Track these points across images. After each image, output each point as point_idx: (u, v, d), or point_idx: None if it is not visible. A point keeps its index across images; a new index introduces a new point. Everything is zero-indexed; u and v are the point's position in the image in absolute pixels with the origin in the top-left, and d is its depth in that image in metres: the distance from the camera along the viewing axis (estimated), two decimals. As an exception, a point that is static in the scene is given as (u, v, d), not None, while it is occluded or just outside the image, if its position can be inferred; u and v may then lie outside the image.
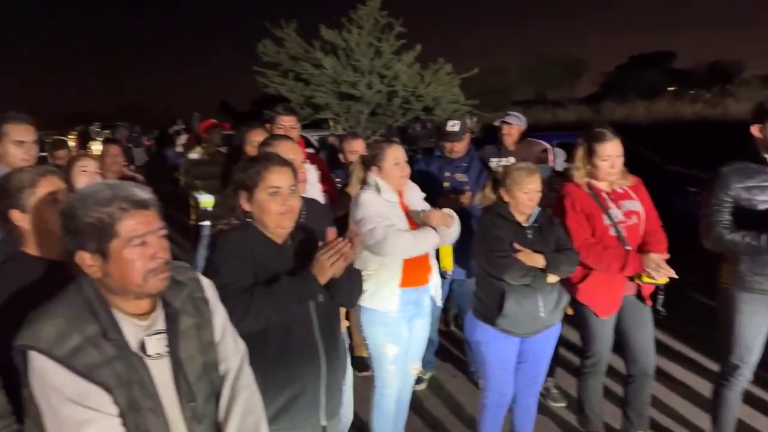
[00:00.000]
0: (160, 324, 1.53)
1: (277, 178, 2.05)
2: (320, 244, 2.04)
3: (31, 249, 1.92)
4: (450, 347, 4.78)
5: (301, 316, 2.05)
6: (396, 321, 3.01)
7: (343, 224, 2.77)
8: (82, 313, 1.42)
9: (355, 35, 12.59)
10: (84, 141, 21.47)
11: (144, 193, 1.48)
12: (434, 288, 3.20)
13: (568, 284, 3.06)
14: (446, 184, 3.99)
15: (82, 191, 1.49)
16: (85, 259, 1.44)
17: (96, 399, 1.38)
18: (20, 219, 1.90)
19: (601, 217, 3.13)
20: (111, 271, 1.44)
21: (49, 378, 1.36)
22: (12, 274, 1.85)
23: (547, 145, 4.60)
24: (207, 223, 5.45)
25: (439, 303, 3.34)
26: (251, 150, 3.56)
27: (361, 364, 4.04)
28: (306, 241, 2.19)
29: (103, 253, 1.42)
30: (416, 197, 3.16)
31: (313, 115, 13.45)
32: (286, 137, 2.78)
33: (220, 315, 1.70)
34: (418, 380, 3.92)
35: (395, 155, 3.01)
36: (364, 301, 2.87)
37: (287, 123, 3.69)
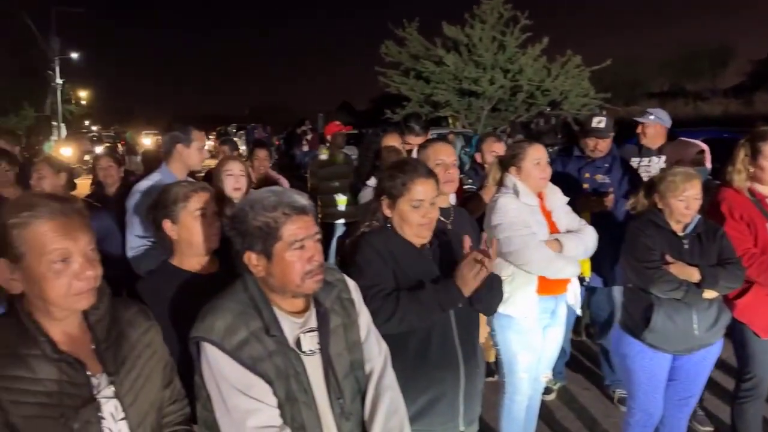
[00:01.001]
0: (313, 322, 1.62)
1: (421, 190, 2.08)
2: (464, 251, 2.02)
3: (176, 260, 2.13)
4: (582, 358, 4.54)
5: (441, 322, 2.05)
6: (530, 329, 2.90)
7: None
8: (248, 309, 1.54)
9: (478, 30, 12.41)
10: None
11: (303, 200, 1.58)
12: (573, 295, 3.04)
13: (724, 299, 2.76)
14: (585, 186, 3.76)
15: (251, 197, 1.61)
16: (252, 259, 1.56)
17: (259, 390, 1.49)
18: (170, 229, 2.10)
19: (765, 227, 2.79)
20: (274, 271, 1.55)
21: (219, 368, 1.49)
22: (154, 282, 2.07)
23: (704, 146, 4.18)
24: (340, 221, 5.68)
25: (578, 311, 3.17)
26: (383, 151, 3.63)
27: (487, 369, 3.96)
28: (445, 245, 2.19)
29: (268, 254, 1.54)
30: (558, 201, 3.00)
31: (432, 113, 13.50)
32: (442, 140, 2.79)
33: (364, 316, 1.77)
34: (548, 390, 3.77)
35: (536, 155, 2.89)
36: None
37: (415, 142, 3.70)
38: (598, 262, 3.54)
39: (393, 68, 13.78)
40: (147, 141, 25.87)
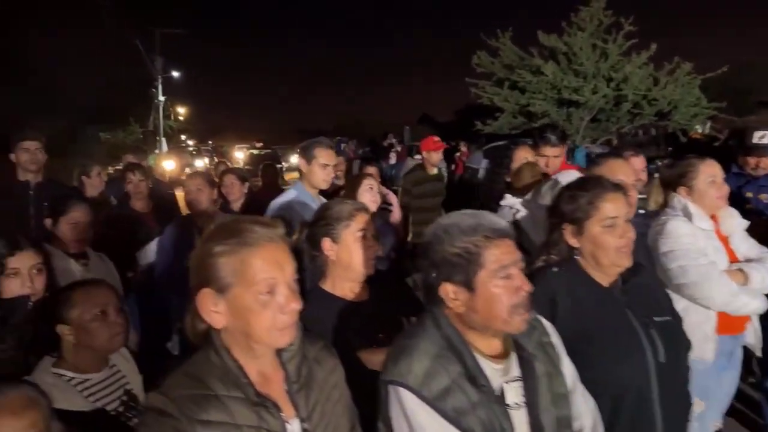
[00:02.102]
0: (515, 370, 1.40)
1: (612, 207, 1.79)
2: None
3: (328, 284, 1.96)
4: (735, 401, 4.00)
5: (638, 378, 1.73)
6: (705, 373, 2.51)
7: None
8: (445, 352, 1.34)
9: (579, 38, 11.84)
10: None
11: (503, 222, 1.38)
12: (753, 334, 2.64)
13: None
14: (748, 206, 3.32)
15: (443, 221, 1.41)
16: (449, 291, 1.36)
17: None
18: (329, 249, 1.94)
19: None
20: (476, 305, 1.34)
21: (417, 419, 1.29)
22: (315, 310, 1.85)
23: None
24: None
25: (758, 352, 2.74)
26: (515, 167, 3.37)
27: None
28: (638, 286, 1.86)
29: (469, 285, 1.34)
30: (736, 225, 2.62)
31: (526, 124, 13.03)
32: (616, 156, 2.50)
33: (567, 364, 1.51)
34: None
35: (710, 171, 2.53)
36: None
37: (551, 154, 3.40)
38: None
39: (485, 79, 13.46)
40: (239, 155, 26.96)
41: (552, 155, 3.39)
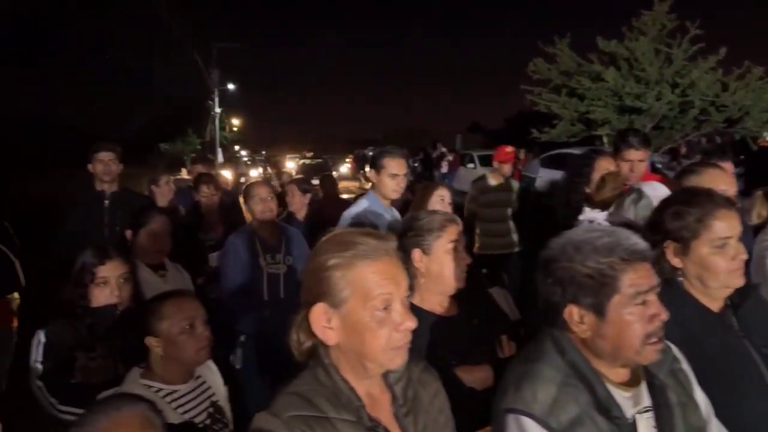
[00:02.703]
0: (646, 399, 1.27)
1: (725, 226, 1.63)
2: None
3: (416, 298, 1.87)
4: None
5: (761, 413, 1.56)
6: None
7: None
8: (571, 380, 1.24)
9: (641, 43, 11.43)
10: (360, 164, 24.03)
11: (643, 243, 1.25)
12: None
13: None
14: None
15: (574, 236, 1.30)
16: (574, 314, 1.26)
17: None
18: (419, 260, 1.86)
19: None
20: (606, 332, 1.23)
21: None
22: None
23: None
24: (516, 249, 5.34)
25: None
26: (596, 177, 3.20)
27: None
28: (751, 310, 1.68)
29: (599, 310, 1.23)
30: None
31: (585, 132, 12.66)
32: (714, 165, 2.34)
33: (700, 394, 1.38)
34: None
35: None
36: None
37: (636, 158, 3.19)
38: None
39: (541, 86, 13.18)
40: (290, 165, 27.42)
41: (637, 159, 3.17)
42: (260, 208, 3.35)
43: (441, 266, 1.85)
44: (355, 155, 29.00)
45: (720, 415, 1.45)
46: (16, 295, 4.20)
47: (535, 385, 1.23)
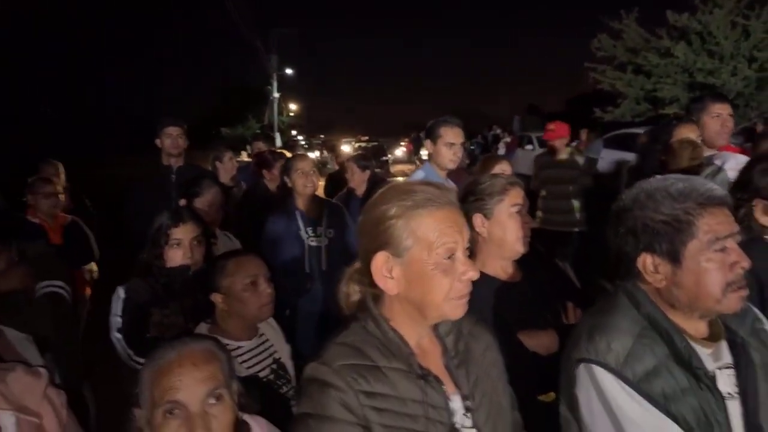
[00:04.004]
0: (727, 356, 1.22)
1: None
2: None
3: (479, 264, 1.81)
4: None
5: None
6: None
7: None
8: (648, 332, 1.19)
9: (715, 15, 10.76)
10: (416, 146, 23.98)
11: (719, 188, 1.20)
12: None
13: None
14: None
15: (646, 186, 1.25)
16: (648, 264, 1.21)
17: None
18: (481, 225, 1.83)
19: None
20: (682, 280, 1.18)
21: (618, 403, 1.15)
22: None
23: None
24: (576, 229, 5.22)
25: None
26: (676, 144, 3.05)
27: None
28: None
29: (675, 257, 1.18)
30: None
31: (651, 111, 12.10)
32: None
33: None
34: None
35: None
36: None
37: (725, 111, 3.01)
38: None
39: (605, 63, 12.67)
40: (346, 148, 27.66)
41: (726, 113, 3.02)
42: (302, 181, 3.33)
43: (503, 231, 1.81)
44: (411, 138, 28.91)
45: None
46: (93, 267, 4.46)
47: (609, 335, 1.19)
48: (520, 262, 1.89)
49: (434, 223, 1.10)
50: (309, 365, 1.14)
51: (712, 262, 1.16)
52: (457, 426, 1.14)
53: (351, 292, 1.21)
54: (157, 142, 4.11)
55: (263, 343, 1.96)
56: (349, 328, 1.18)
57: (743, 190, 1.67)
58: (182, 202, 3.04)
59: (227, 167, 4.76)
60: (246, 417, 1.34)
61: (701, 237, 1.16)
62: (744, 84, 10.83)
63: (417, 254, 1.10)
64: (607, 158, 10.75)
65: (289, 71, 30.22)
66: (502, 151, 17.86)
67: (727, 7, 10.92)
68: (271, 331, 2.01)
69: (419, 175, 3.12)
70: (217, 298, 1.90)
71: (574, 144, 5.53)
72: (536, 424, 1.42)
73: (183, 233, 2.22)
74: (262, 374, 1.88)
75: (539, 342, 1.71)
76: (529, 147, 16.15)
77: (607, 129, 13.60)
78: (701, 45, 11.11)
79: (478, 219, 1.83)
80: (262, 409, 1.41)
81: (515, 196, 1.82)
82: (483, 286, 1.80)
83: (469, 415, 1.16)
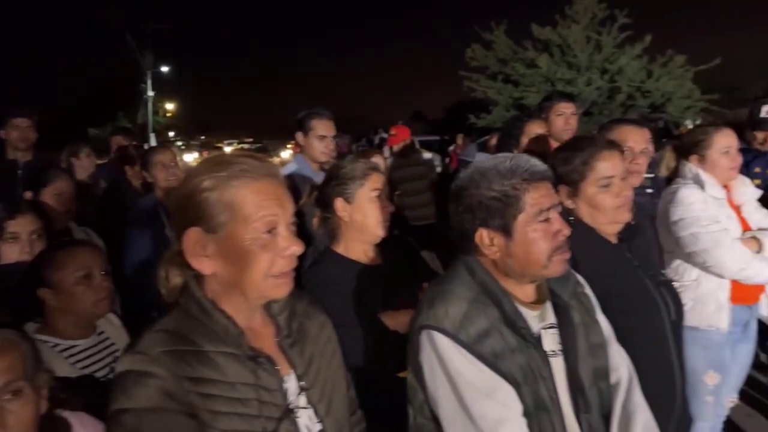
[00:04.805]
0: (551, 317, 1.34)
1: (608, 166, 1.74)
2: None
3: (341, 247, 1.88)
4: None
5: (657, 335, 1.71)
6: (720, 344, 2.47)
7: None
8: (482, 297, 1.27)
9: (573, 30, 11.85)
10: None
11: (541, 164, 1.30)
12: (767, 306, 2.59)
13: None
14: (756, 182, 3.26)
15: (478, 165, 1.33)
16: (485, 238, 1.29)
17: (505, 394, 1.21)
18: (342, 209, 1.84)
19: None
20: (514, 250, 1.27)
21: (454, 365, 1.22)
22: (326, 272, 1.82)
23: None
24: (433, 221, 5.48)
25: (773, 325, 2.69)
26: (525, 141, 3.28)
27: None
28: (639, 246, 1.83)
29: (507, 230, 1.27)
30: (749, 194, 2.57)
31: (520, 118, 13.01)
32: (632, 121, 2.42)
33: (602, 316, 1.46)
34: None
35: (725, 142, 2.47)
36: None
37: (568, 110, 3.32)
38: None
39: (479, 72, 13.45)
40: (229, 150, 26.84)
41: (569, 112, 3.29)
42: (163, 175, 3.10)
43: (364, 215, 1.83)
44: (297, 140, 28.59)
45: (627, 334, 1.54)
46: None
47: (447, 302, 1.26)
48: (380, 246, 1.93)
49: (251, 195, 1.02)
50: (122, 357, 1.03)
51: (538, 232, 1.26)
52: (292, 406, 1.09)
53: (171, 276, 1.11)
54: (2, 133, 3.70)
55: (103, 341, 1.80)
56: (169, 314, 1.08)
57: None
58: (27, 194, 2.74)
59: (84, 164, 4.36)
60: (66, 414, 1.23)
61: (528, 210, 1.25)
62: (598, 93, 12.01)
63: (233, 229, 1.02)
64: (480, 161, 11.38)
65: (165, 69, 28.67)
66: (387, 153, 18.25)
67: (583, 23, 12.09)
68: (112, 329, 1.85)
69: (291, 168, 3.07)
70: (45, 293, 1.70)
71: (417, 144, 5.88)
72: (397, 401, 1.44)
73: (20, 226, 2.01)
74: (99, 373, 1.72)
75: (399, 321, 1.75)
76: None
77: (482, 134, 14.41)
78: (561, 57, 12.17)
79: (339, 203, 1.84)
80: (100, 408, 1.28)
81: (375, 181, 1.85)
82: (345, 269, 1.84)
83: (303, 394, 1.13)
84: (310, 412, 1.13)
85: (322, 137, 3.00)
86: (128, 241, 3.08)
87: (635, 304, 1.67)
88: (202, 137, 38.89)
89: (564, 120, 3.27)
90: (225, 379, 1.01)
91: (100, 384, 1.67)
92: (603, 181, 1.74)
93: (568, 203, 1.80)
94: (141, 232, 3.03)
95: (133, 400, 0.96)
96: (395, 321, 1.76)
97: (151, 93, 27.13)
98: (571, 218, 1.80)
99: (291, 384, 1.12)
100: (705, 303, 2.43)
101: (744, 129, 3.45)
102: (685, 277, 2.47)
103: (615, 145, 1.82)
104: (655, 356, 1.69)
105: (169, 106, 38.81)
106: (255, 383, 1.04)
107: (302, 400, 1.12)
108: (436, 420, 1.27)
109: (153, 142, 26.81)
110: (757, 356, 3.87)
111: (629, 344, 1.53)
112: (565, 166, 1.79)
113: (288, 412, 1.07)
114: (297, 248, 1.05)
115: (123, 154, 4.44)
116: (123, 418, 0.96)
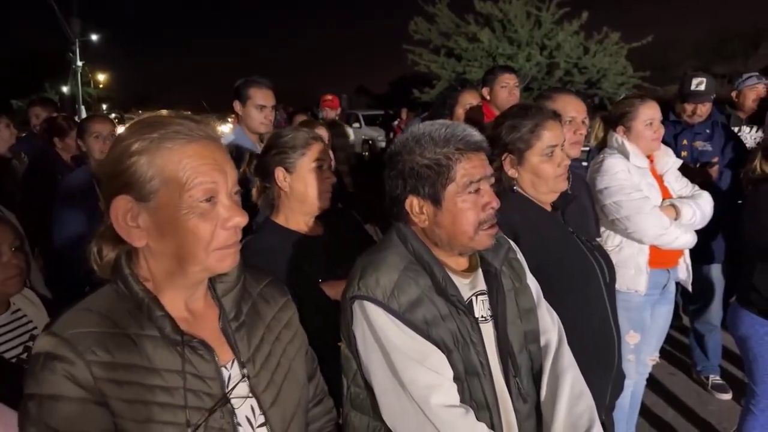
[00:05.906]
0: (482, 284, 1.36)
1: (552, 135, 1.79)
2: None
3: (281, 218, 1.84)
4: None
5: (598, 298, 1.79)
6: (640, 305, 2.62)
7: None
8: (413, 266, 1.28)
9: (513, 5, 11.98)
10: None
11: (478, 134, 1.30)
12: (685, 270, 2.75)
13: None
14: (683, 154, 3.43)
15: (415, 131, 1.31)
16: (415, 205, 1.29)
17: (436, 360, 1.22)
18: (282, 179, 1.80)
19: None
20: (441, 220, 1.28)
21: (386, 334, 1.22)
22: (267, 241, 1.77)
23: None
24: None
25: (689, 287, 2.86)
26: (461, 112, 3.32)
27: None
28: (573, 212, 1.92)
29: (436, 199, 1.27)
30: (671, 163, 2.71)
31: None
32: (567, 91, 2.48)
33: (533, 281, 1.50)
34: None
35: (649, 113, 2.58)
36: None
37: (512, 81, 3.39)
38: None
39: (421, 46, 13.44)
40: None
41: (512, 83, 3.37)
42: (98, 146, 2.96)
43: (305, 185, 1.78)
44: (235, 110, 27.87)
45: (569, 298, 1.63)
46: None
47: (378, 271, 1.25)
48: (322, 218, 1.91)
49: (186, 159, 0.93)
50: (37, 337, 0.94)
51: (467, 203, 1.25)
52: (230, 396, 1.01)
53: (105, 251, 1.01)
54: None
55: (18, 319, 1.70)
56: (98, 292, 0.99)
57: (493, 145, 1.83)
58: None
59: (3, 136, 4.09)
60: None
61: (458, 180, 1.24)
62: (537, 69, 12.26)
63: (166, 197, 0.93)
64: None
65: (95, 37, 27.07)
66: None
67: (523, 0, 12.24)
68: (31, 307, 1.76)
69: (229, 139, 2.97)
70: None
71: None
72: (337, 370, 1.44)
73: None
74: (11, 353, 1.63)
75: (338, 291, 1.74)
76: (356, 125, 16.67)
77: (425, 108, 14.49)
78: (503, 32, 12.31)
79: (280, 173, 1.79)
80: (12, 392, 1.19)
81: (318, 151, 1.80)
82: (285, 240, 1.80)
83: (247, 382, 1.04)
84: (254, 402, 1.05)
85: (261, 107, 2.91)
86: (58, 216, 2.93)
87: (575, 269, 1.74)
88: (140, 111, 37.22)
89: (508, 91, 3.34)
90: (148, 365, 0.93)
91: (11, 365, 1.59)
92: (547, 150, 1.78)
93: (512, 172, 1.83)
94: (73, 207, 2.87)
95: (39, 385, 0.89)
96: (336, 291, 1.75)
97: (79, 63, 25.62)
98: (515, 187, 1.84)
99: (234, 372, 1.04)
100: (626, 267, 2.56)
101: (674, 102, 3.61)
102: (608, 243, 2.59)
103: (557, 115, 1.87)
104: (596, 317, 1.78)
105: (102, 77, 36.85)
106: (183, 370, 0.95)
107: (244, 389, 1.04)
108: (369, 389, 1.27)
109: (83, 114, 25.47)
110: (679, 318, 4.18)
111: (571, 307, 1.59)
112: (513, 133, 1.81)
113: (223, 402, 0.99)
114: (240, 219, 0.97)
115: (52, 125, 4.18)
116: (28, 405, 0.89)
